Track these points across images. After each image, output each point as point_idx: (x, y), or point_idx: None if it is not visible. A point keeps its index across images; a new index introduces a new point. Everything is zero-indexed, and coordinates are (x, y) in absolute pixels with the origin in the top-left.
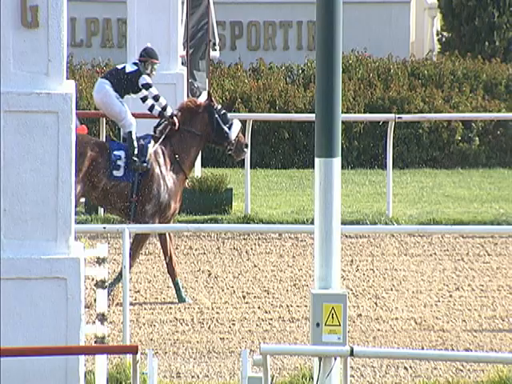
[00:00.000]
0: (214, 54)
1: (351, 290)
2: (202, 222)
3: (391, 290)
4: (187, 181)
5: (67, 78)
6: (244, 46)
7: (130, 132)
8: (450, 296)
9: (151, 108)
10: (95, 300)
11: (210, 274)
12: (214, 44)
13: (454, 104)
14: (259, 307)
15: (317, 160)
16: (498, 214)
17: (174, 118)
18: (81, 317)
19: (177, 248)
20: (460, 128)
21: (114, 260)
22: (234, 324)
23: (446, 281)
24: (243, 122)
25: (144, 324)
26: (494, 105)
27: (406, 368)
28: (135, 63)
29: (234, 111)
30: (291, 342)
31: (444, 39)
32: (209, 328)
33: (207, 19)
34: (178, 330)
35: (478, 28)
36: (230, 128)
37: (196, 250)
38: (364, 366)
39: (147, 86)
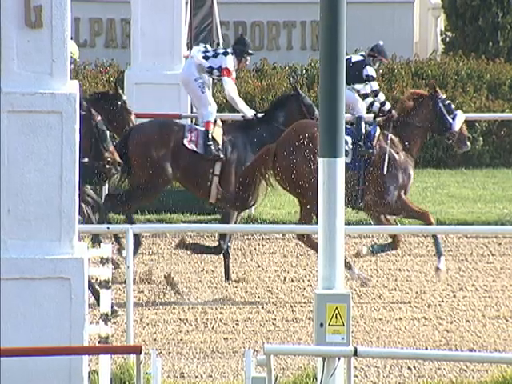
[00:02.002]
0: None
1: (355, 290)
2: (206, 222)
3: (395, 290)
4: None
5: (71, 78)
6: None
7: (361, 117)
8: (454, 296)
9: (371, 105)
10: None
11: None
12: (218, 44)
13: (458, 104)
14: (263, 307)
15: (320, 160)
16: (501, 214)
17: (393, 112)
18: (84, 317)
19: None
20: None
21: (118, 260)
22: (237, 324)
23: (450, 281)
24: None
25: (148, 324)
26: (498, 105)
27: (409, 368)
28: (362, 55)
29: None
30: (295, 342)
31: (448, 39)
32: (212, 328)
33: (211, 19)
34: (182, 330)
35: (482, 28)
36: (453, 119)
37: None
38: (368, 366)
39: (370, 79)
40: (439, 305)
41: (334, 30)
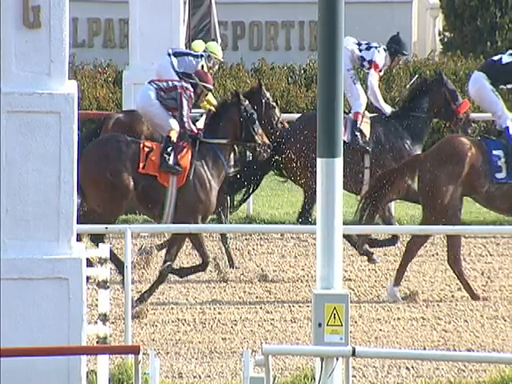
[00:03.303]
0: None
1: (353, 290)
2: (204, 223)
3: None
4: None
5: (69, 78)
6: (246, 46)
7: (507, 128)
8: (452, 296)
9: None
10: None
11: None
12: None
13: None
14: (261, 307)
15: (319, 160)
16: (500, 215)
17: None
18: (83, 317)
19: None
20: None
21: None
22: (235, 324)
23: (448, 281)
24: None
25: (146, 324)
26: None
27: (407, 368)
28: None
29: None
30: (293, 343)
31: (446, 39)
32: (211, 328)
33: (209, 19)
34: (180, 330)
35: (480, 28)
36: None
37: None
38: (366, 366)
39: None
40: (437, 305)
41: (332, 29)
